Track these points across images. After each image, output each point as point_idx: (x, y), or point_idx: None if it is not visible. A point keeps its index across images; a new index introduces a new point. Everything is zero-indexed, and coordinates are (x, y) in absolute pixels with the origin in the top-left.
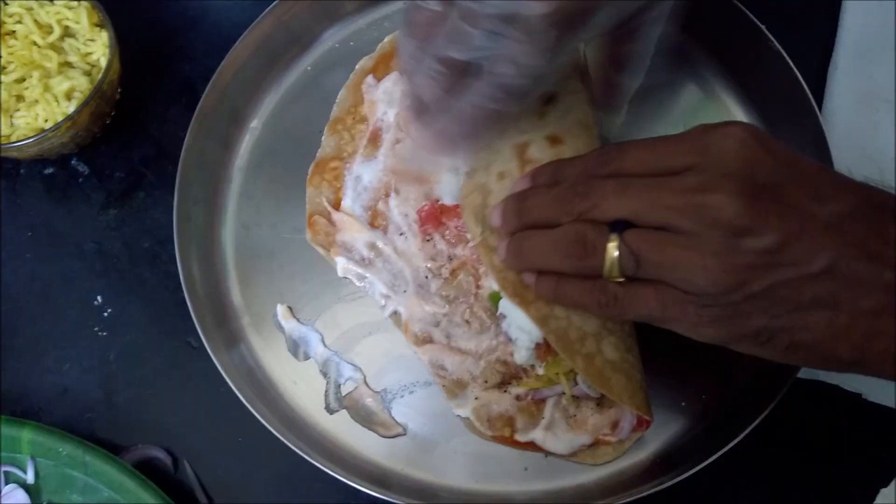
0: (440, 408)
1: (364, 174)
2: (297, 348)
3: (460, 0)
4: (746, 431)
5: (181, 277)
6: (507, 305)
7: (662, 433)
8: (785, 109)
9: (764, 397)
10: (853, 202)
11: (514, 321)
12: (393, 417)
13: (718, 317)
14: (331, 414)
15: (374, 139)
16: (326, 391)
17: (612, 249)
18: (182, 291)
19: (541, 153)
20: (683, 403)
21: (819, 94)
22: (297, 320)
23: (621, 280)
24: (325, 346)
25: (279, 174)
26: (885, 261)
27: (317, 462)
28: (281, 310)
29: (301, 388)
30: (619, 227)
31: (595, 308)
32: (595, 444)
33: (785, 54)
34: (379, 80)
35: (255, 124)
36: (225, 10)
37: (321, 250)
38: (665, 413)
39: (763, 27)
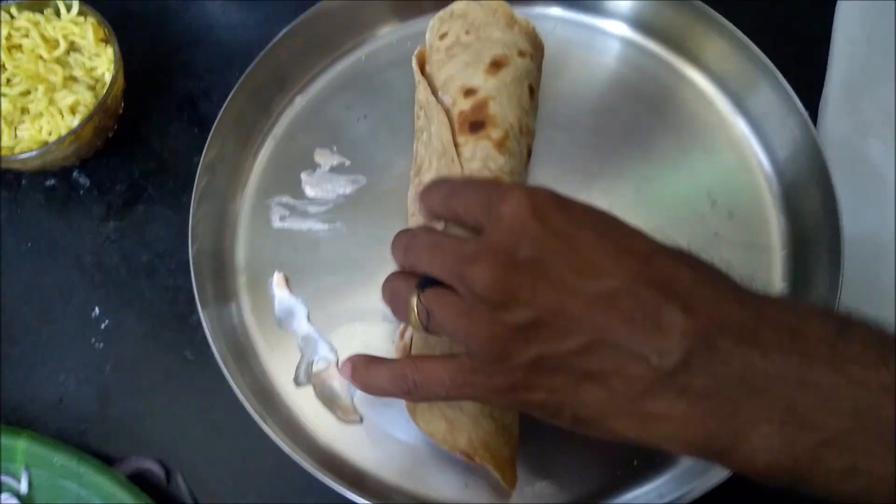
0: (401, 403)
1: None
2: (282, 317)
3: None
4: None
5: (189, 225)
6: None
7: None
8: (789, 144)
9: None
10: (626, 278)
11: None
12: (354, 404)
13: (503, 387)
14: (297, 386)
15: None
16: (299, 364)
17: (414, 304)
18: (179, 305)
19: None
20: None
21: None
22: (290, 291)
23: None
24: (308, 321)
25: (308, 149)
26: (654, 342)
27: (270, 430)
28: (277, 277)
29: (276, 354)
30: (427, 282)
31: (399, 394)
32: None
33: (793, 93)
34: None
35: (300, 100)
36: (228, 28)
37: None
38: None
39: (776, 69)
